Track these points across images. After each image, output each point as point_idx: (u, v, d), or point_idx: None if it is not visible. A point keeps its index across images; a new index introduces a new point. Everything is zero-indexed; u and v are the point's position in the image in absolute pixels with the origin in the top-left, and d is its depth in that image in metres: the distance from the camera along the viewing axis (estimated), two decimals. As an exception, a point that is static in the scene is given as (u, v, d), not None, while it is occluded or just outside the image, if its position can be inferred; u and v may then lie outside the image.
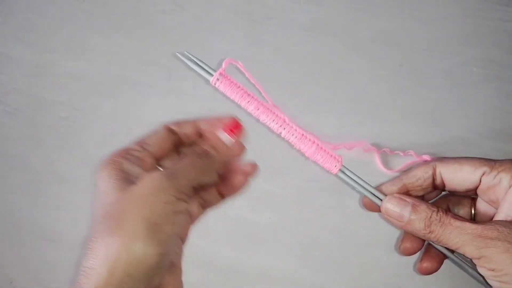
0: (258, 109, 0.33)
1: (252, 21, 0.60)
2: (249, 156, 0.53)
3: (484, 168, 0.34)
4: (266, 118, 0.33)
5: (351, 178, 0.37)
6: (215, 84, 0.33)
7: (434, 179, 0.37)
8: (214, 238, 0.51)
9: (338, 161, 0.35)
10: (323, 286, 0.48)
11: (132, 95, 0.58)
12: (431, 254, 0.39)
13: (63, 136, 0.57)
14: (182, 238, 0.36)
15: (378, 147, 0.51)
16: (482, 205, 0.38)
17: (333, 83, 0.55)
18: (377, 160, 0.50)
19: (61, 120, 0.58)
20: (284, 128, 0.34)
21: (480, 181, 0.34)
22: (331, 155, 0.35)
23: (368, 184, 0.37)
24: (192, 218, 0.37)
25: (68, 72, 0.60)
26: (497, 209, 0.33)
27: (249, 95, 0.33)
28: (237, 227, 0.51)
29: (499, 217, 0.32)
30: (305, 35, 0.58)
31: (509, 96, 0.52)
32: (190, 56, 0.35)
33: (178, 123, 0.36)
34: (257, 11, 0.60)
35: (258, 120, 0.35)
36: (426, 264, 0.38)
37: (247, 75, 0.38)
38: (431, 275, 0.45)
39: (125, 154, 0.32)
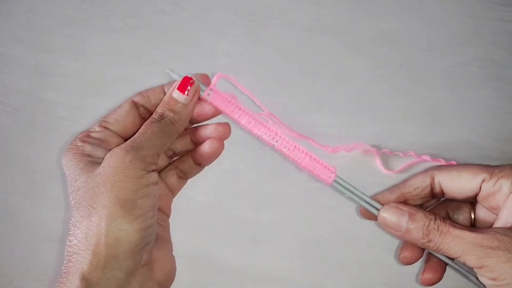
0: (250, 123, 0.33)
1: (252, 21, 0.60)
2: (249, 156, 0.53)
3: (484, 175, 0.33)
4: (258, 131, 0.34)
5: (347, 188, 0.36)
6: (206, 98, 0.33)
7: (432, 188, 0.36)
8: (214, 238, 0.51)
9: (332, 172, 0.35)
10: (323, 286, 0.48)
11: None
12: (432, 263, 0.38)
13: (63, 136, 0.57)
14: (164, 211, 0.36)
15: (378, 148, 0.51)
16: (482, 211, 0.37)
17: (333, 83, 0.55)
18: (377, 161, 0.50)
19: (61, 120, 0.58)
20: (277, 141, 0.34)
21: (480, 188, 0.34)
22: (325, 166, 0.35)
23: (364, 194, 0.36)
24: (172, 191, 0.37)
25: (68, 72, 0.60)
26: (497, 215, 0.33)
27: (240, 109, 0.33)
28: (237, 227, 0.51)
29: (498, 223, 0.32)
30: (305, 35, 0.58)
31: (509, 96, 0.52)
32: (176, 75, 0.35)
33: (142, 94, 0.35)
34: (257, 11, 0.60)
35: (251, 134, 0.35)
36: (429, 276, 0.37)
37: (240, 88, 0.38)
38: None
39: (85, 137, 0.32)
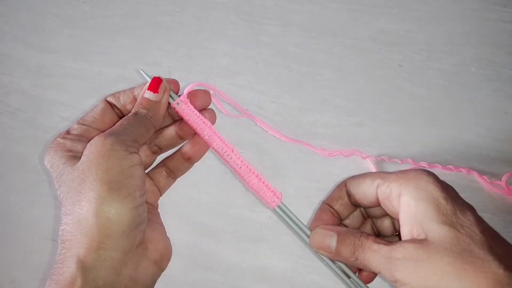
0: (209, 137, 0.35)
1: (252, 22, 0.60)
2: (249, 156, 0.54)
3: (378, 180, 0.33)
4: (215, 146, 0.35)
5: (288, 216, 0.36)
6: (174, 108, 0.34)
7: (349, 196, 0.36)
8: (214, 237, 0.51)
9: (278, 198, 0.36)
10: (322, 286, 0.48)
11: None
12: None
13: (63, 136, 0.57)
14: (151, 204, 0.36)
15: (376, 151, 0.52)
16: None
17: (333, 84, 0.56)
18: (372, 169, 0.50)
19: (61, 120, 0.58)
20: (231, 158, 0.35)
21: (377, 193, 0.33)
22: (272, 191, 0.36)
23: (300, 222, 0.36)
24: (159, 188, 0.38)
25: (68, 72, 0.61)
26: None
27: (204, 122, 0.34)
28: (237, 226, 0.51)
29: (402, 230, 0.30)
30: (305, 35, 0.58)
31: (507, 96, 0.52)
32: (147, 75, 0.36)
33: (114, 95, 0.36)
34: (257, 12, 0.61)
35: (211, 148, 0.36)
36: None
37: (214, 101, 0.39)
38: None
39: (65, 134, 0.33)
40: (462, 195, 0.31)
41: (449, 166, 0.49)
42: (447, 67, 0.54)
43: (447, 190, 0.30)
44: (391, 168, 0.50)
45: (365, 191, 0.34)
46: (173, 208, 0.52)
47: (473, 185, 0.49)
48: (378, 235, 0.37)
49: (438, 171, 0.49)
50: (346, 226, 0.37)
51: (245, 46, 0.59)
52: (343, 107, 0.54)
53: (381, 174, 0.33)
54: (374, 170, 0.50)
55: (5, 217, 0.55)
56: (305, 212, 0.50)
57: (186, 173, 0.39)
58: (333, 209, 0.36)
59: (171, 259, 0.50)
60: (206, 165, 0.53)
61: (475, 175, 0.48)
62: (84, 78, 0.60)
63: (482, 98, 0.52)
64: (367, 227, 0.37)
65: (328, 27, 0.58)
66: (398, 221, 0.31)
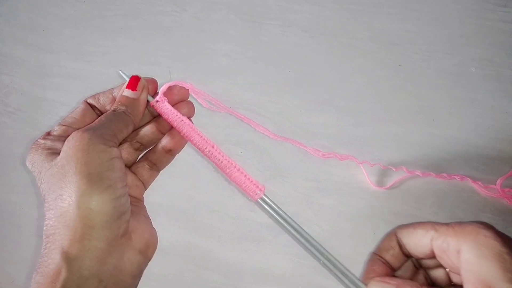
0: (188, 133, 0.35)
1: (252, 22, 0.60)
2: (249, 156, 0.54)
3: (432, 232, 0.32)
4: (195, 142, 0.35)
5: (272, 208, 0.37)
6: (153, 106, 0.35)
7: (401, 247, 0.35)
8: (214, 237, 0.51)
9: (260, 190, 0.36)
10: (322, 286, 0.48)
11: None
12: None
13: (64, 136, 0.57)
14: (137, 198, 0.36)
15: (375, 151, 0.52)
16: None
17: (332, 84, 0.56)
18: (365, 176, 0.50)
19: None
20: (210, 153, 0.36)
21: (432, 246, 0.32)
22: (254, 183, 0.36)
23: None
24: (143, 182, 0.38)
25: (68, 72, 0.61)
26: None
27: (182, 120, 0.35)
28: (237, 227, 0.51)
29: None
30: (305, 36, 0.58)
31: (507, 96, 0.52)
32: (126, 76, 0.36)
33: (94, 96, 0.37)
34: (257, 12, 0.61)
35: (190, 144, 0.37)
36: None
37: (194, 96, 0.39)
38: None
39: (46, 135, 0.33)
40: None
41: (443, 174, 0.49)
42: (447, 67, 0.54)
43: (510, 243, 0.29)
44: (385, 174, 0.50)
45: (418, 243, 0.33)
46: (173, 208, 0.53)
47: (470, 189, 0.49)
48: (432, 285, 0.36)
49: (431, 179, 0.49)
50: (398, 277, 0.36)
51: (245, 46, 0.59)
52: (343, 107, 0.54)
53: (434, 225, 0.32)
54: (366, 177, 0.50)
55: (5, 217, 0.55)
56: (305, 212, 0.50)
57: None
58: (384, 259, 0.35)
59: (171, 258, 0.51)
60: (206, 165, 0.53)
61: (469, 182, 0.48)
62: (84, 78, 0.60)
63: (482, 98, 0.53)
64: (420, 278, 0.36)
65: (328, 27, 0.58)
66: (454, 272, 0.31)
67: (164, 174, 0.55)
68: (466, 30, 0.56)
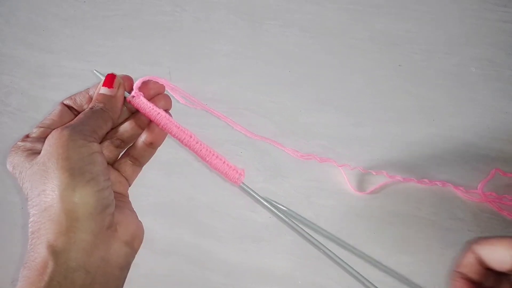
0: (165, 125, 0.36)
1: (252, 22, 0.60)
2: (249, 156, 0.54)
3: None
4: (174, 134, 0.36)
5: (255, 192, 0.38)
6: (130, 101, 0.36)
7: (481, 262, 0.34)
8: (214, 237, 0.51)
9: (241, 174, 0.37)
10: (323, 286, 0.48)
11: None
12: None
13: (64, 136, 0.57)
14: (121, 194, 0.37)
15: (375, 151, 0.52)
16: None
17: (332, 84, 0.56)
18: (345, 179, 0.50)
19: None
20: (190, 144, 0.36)
21: None
22: (234, 169, 0.37)
23: (269, 199, 0.37)
24: (126, 178, 0.38)
25: (68, 72, 0.61)
26: None
27: (158, 113, 0.36)
28: (237, 227, 0.51)
29: None
30: (305, 36, 0.58)
31: (507, 96, 0.52)
32: (101, 75, 0.37)
33: (71, 97, 0.37)
34: (257, 12, 0.61)
35: (169, 136, 0.37)
36: None
37: (168, 90, 0.40)
38: (427, 282, 0.45)
39: (25, 137, 0.34)
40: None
41: (424, 180, 0.48)
42: (447, 67, 0.54)
43: None
44: (367, 178, 0.50)
45: (502, 259, 0.32)
46: (174, 208, 0.53)
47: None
48: None
49: (412, 185, 0.49)
50: None
51: (245, 46, 0.59)
52: (343, 107, 0.54)
53: None
54: (346, 179, 0.50)
55: (5, 217, 0.55)
56: (305, 212, 0.50)
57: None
58: (467, 276, 0.35)
59: (171, 258, 0.51)
60: (206, 165, 0.53)
61: (451, 188, 0.48)
62: (84, 78, 0.60)
63: (482, 98, 0.53)
64: (505, 286, 0.36)
65: (328, 27, 0.58)
66: None
67: (165, 174, 0.55)
68: (466, 30, 0.56)
